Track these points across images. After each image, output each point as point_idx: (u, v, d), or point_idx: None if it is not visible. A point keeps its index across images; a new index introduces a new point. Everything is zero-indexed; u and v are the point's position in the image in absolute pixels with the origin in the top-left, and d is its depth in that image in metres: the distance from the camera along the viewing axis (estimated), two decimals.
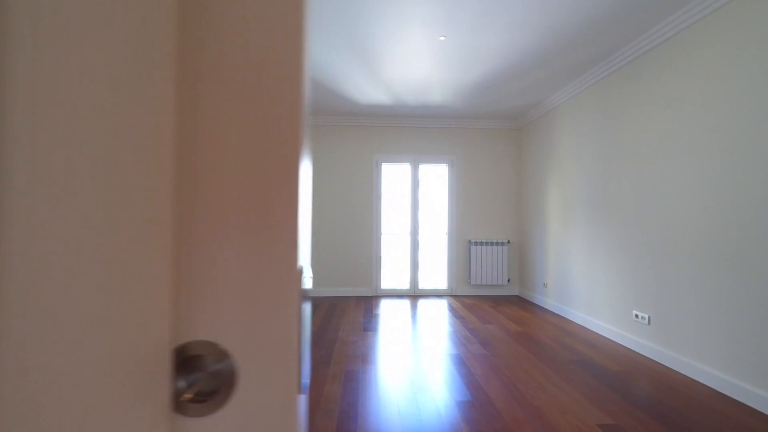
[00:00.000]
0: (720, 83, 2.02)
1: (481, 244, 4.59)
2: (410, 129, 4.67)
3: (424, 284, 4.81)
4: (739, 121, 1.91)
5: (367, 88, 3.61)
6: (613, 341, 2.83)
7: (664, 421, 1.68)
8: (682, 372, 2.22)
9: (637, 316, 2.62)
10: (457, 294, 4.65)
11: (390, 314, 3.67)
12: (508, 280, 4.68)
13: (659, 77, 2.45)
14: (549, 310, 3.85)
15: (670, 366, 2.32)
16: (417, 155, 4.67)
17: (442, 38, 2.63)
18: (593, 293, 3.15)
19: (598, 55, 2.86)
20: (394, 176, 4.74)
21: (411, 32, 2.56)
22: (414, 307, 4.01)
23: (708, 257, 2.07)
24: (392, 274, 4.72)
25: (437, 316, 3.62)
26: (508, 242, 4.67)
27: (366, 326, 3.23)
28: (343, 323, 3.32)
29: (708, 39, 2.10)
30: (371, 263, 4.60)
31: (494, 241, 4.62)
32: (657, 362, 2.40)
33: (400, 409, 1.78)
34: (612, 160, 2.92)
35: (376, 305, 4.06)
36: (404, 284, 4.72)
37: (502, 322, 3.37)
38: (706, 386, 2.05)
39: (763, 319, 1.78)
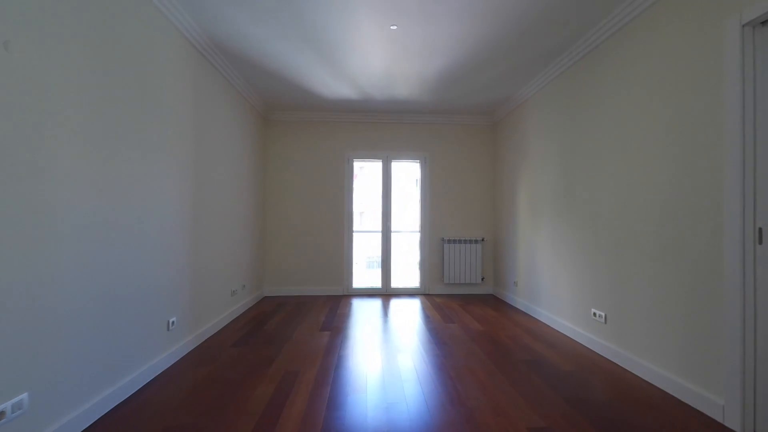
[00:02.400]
0: (672, 75, 1.94)
1: (455, 242, 4.51)
2: (382, 125, 4.58)
3: (396, 283, 4.72)
4: (691, 115, 1.82)
5: (328, 81, 3.52)
6: (574, 340, 2.74)
7: (600, 424, 1.59)
8: (634, 372, 2.14)
9: (595, 314, 2.54)
10: (430, 293, 4.56)
11: (354, 314, 3.58)
12: (482, 279, 4.59)
13: (615, 68, 2.36)
14: (519, 309, 3.77)
15: (623, 366, 2.23)
16: (389, 152, 4.58)
17: (394, 27, 2.54)
18: (557, 292, 3.06)
19: (558, 46, 2.78)
20: (365, 173, 4.64)
21: (361, 21, 2.47)
22: (382, 306, 3.92)
23: (658, 256, 1.99)
24: (364, 273, 4.63)
25: (401, 315, 3.53)
26: (483, 240, 4.59)
27: (324, 326, 3.14)
28: (303, 323, 3.23)
29: (656, 31, 2.02)
30: (342, 262, 4.50)
31: (468, 239, 4.53)
32: (611, 362, 2.31)
33: (326, 413, 1.69)
34: (572, 156, 2.83)
35: (344, 305, 3.97)
36: (376, 283, 4.63)
37: (466, 322, 3.29)
38: (657, 387, 1.96)
39: (708, 320, 1.70)
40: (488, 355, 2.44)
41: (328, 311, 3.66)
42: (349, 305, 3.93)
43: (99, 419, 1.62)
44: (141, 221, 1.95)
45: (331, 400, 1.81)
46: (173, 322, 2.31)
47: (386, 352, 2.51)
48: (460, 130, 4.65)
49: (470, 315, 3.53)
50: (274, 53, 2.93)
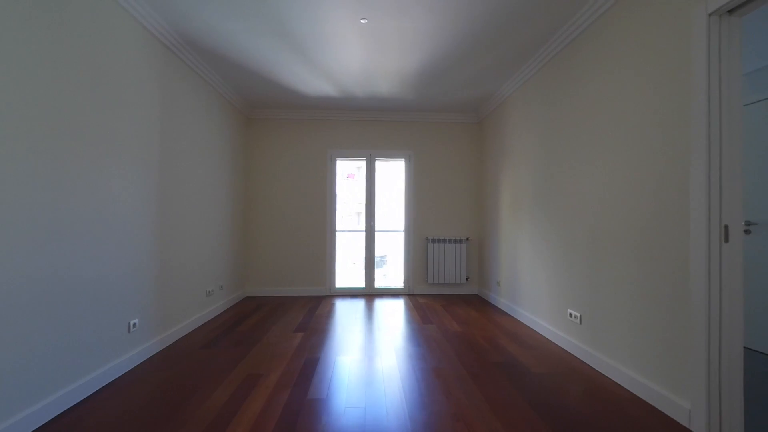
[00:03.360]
0: (644, 68, 1.87)
1: (439, 241, 4.44)
2: (365, 123, 4.51)
3: (380, 283, 4.66)
4: (661, 110, 1.76)
5: (306, 78, 3.45)
6: (551, 342, 2.68)
7: (562, 429, 1.53)
8: (607, 375, 2.08)
9: (571, 315, 2.48)
10: (415, 293, 4.50)
11: (332, 315, 3.51)
12: (467, 279, 4.53)
13: (590, 63, 2.30)
14: (502, 310, 3.71)
15: (596, 368, 2.17)
16: (373, 150, 4.52)
17: (364, 21, 2.48)
18: (536, 292, 3.00)
19: (535, 41, 2.71)
20: (349, 171, 4.58)
21: (328, 14, 2.40)
22: (363, 307, 3.85)
23: (630, 256, 1.93)
24: (348, 273, 4.57)
25: (380, 316, 3.47)
26: (467, 240, 4.53)
27: (299, 327, 3.07)
28: (278, 324, 3.16)
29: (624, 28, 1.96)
30: (325, 262, 4.44)
31: (453, 238, 4.47)
32: (586, 364, 2.25)
33: (279, 419, 1.63)
34: (551, 154, 2.77)
35: (324, 305, 3.90)
36: (360, 283, 4.57)
37: (445, 322, 3.22)
38: (627, 390, 1.90)
39: (676, 322, 1.64)
40: (460, 357, 2.37)
41: (306, 312, 3.59)
42: (329, 306, 3.86)
43: (35, 430, 1.55)
44: (95, 221, 1.89)
45: (287, 405, 1.75)
46: (135, 324, 2.25)
47: (356, 354, 2.44)
48: (445, 128, 4.59)
49: (450, 315, 3.47)
50: (245, 49, 2.87)
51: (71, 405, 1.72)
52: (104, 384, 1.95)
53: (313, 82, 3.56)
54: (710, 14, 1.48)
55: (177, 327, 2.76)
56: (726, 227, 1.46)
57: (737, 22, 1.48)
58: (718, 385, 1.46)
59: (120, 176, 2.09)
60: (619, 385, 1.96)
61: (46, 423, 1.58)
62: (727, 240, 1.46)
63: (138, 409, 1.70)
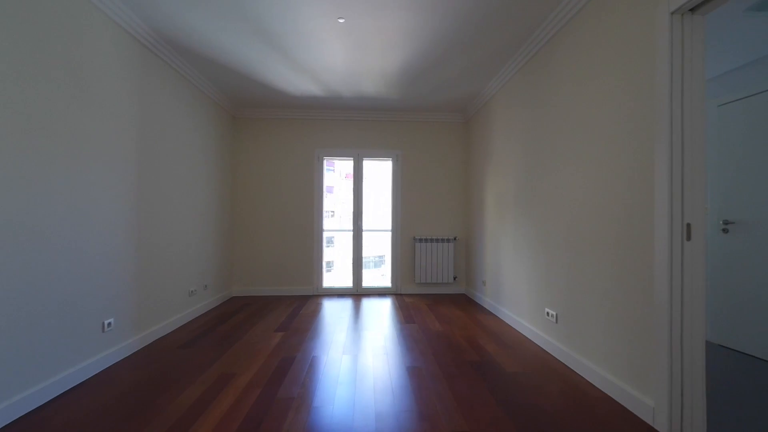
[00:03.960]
0: (614, 68, 1.88)
1: (427, 241, 4.44)
2: (353, 122, 4.51)
3: (368, 282, 4.65)
4: (628, 109, 1.76)
5: (290, 77, 3.45)
6: (530, 340, 2.68)
7: (527, 427, 1.53)
8: (580, 373, 2.08)
9: (548, 313, 2.48)
10: (402, 292, 4.50)
11: (316, 314, 3.51)
12: (455, 278, 4.53)
13: (566, 62, 2.30)
14: (486, 309, 3.71)
15: (571, 367, 2.17)
16: (360, 149, 4.51)
17: (341, 20, 2.47)
18: (517, 291, 3.00)
19: (514, 40, 2.71)
20: (337, 171, 4.57)
21: (304, 13, 2.40)
22: (348, 306, 3.85)
23: (601, 254, 1.93)
24: (336, 273, 4.56)
25: (363, 315, 3.47)
26: (455, 239, 4.53)
27: (281, 327, 3.07)
28: (260, 323, 3.16)
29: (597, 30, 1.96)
30: (312, 261, 4.43)
31: (440, 237, 4.47)
32: (561, 363, 2.25)
33: (245, 419, 1.63)
34: (531, 153, 2.78)
35: (310, 305, 3.90)
36: (347, 282, 4.56)
37: (427, 322, 3.22)
38: (598, 389, 1.90)
39: (642, 320, 1.64)
40: (437, 357, 2.37)
41: (291, 312, 3.59)
42: (315, 306, 3.86)
43: (2, 428, 1.55)
44: (66, 221, 1.88)
45: (256, 404, 1.74)
46: (109, 324, 2.24)
47: (333, 353, 2.44)
48: (432, 128, 4.59)
49: (434, 315, 3.47)
50: (227, 48, 2.86)
51: (38, 405, 1.71)
52: (75, 384, 1.94)
53: (297, 82, 3.56)
54: (672, 13, 1.49)
55: (156, 327, 2.75)
56: (688, 225, 1.46)
57: (700, 20, 1.48)
58: (680, 381, 1.46)
59: (94, 174, 2.08)
60: (592, 384, 1.97)
61: (9, 423, 1.57)
62: (689, 238, 1.46)
63: (105, 409, 1.69)
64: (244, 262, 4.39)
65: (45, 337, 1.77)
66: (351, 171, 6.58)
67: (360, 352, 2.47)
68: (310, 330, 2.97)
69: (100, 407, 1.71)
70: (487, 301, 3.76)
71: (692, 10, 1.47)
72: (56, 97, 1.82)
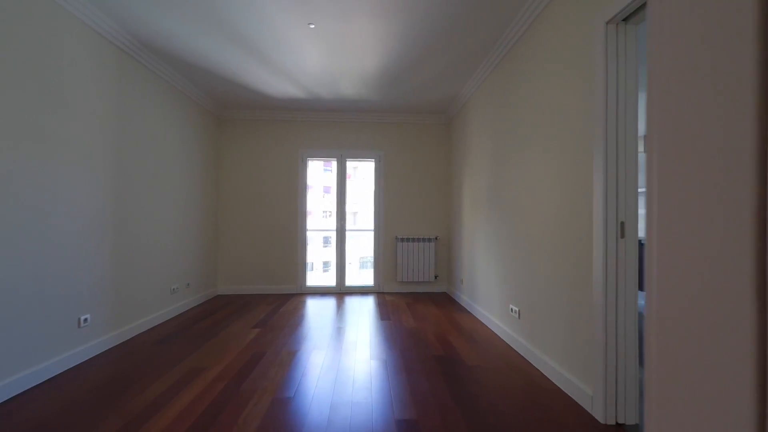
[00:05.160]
0: (562, 76, 1.96)
1: (409, 240, 4.52)
2: (335, 123, 4.59)
3: (351, 281, 4.73)
4: (572, 115, 1.85)
5: (269, 80, 3.52)
6: (497, 336, 2.77)
7: (472, 416, 1.61)
8: (538, 367, 2.16)
9: (512, 310, 2.56)
10: (384, 291, 4.58)
11: (295, 311, 3.58)
12: (436, 277, 4.61)
13: (528, 68, 2.39)
14: (463, 307, 3.79)
15: (530, 361, 2.25)
16: (343, 150, 4.59)
17: (312, 26, 2.55)
18: (488, 288, 3.09)
19: (482, 46, 2.80)
20: (320, 171, 4.65)
21: (275, 18, 2.48)
22: (329, 304, 3.93)
23: (553, 252, 2.01)
24: (320, 271, 4.63)
25: (342, 313, 3.54)
26: (436, 239, 4.61)
27: (259, 323, 3.15)
28: (239, 320, 3.23)
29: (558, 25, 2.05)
30: (296, 260, 4.51)
31: (421, 237, 4.55)
32: (522, 357, 2.34)
33: (204, 413, 1.70)
34: (501, 155, 2.86)
35: (292, 302, 3.97)
36: (331, 281, 4.64)
37: (403, 319, 3.30)
38: (553, 383, 1.98)
39: (584, 314, 1.72)
40: (403, 351, 2.45)
41: (271, 309, 3.66)
42: (296, 303, 3.94)
43: None
44: (34, 220, 1.95)
45: (219, 396, 1.82)
46: (86, 320, 2.31)
47: (303, 348, 2.52)
48: (414, 129, 4.67)
49: (411, 312, 3.55)
50: (205, 52, 2.93)
51: (5, 399, 1.78)
52: (47, 378, 2.01)
53: (277, 84, 3.64)
54: (607, 22, 1.57)
55: (135, 323, 2.82)
56: (622, 224, 1.54)
57: (633, 29, 1.56)
58: (615, 370, 1.54)
59: (67, 175, 2.15)
60: (546, 377, 2.05)
61: None
62: (623, 236, 1.54)
63: (72, 402, 1.76)
64: (229, 261, 4.46)
65: (16, 333, 1.84)
66: (349, 171, 6.67)
67: (330, 347, 2.55)
68: (286, 327, 3.05)
69: (67, 400, 1.78)
70: (464, 299, 3.84)
71: (625, 20, 1.55)
72: (23, 99, 1.90)
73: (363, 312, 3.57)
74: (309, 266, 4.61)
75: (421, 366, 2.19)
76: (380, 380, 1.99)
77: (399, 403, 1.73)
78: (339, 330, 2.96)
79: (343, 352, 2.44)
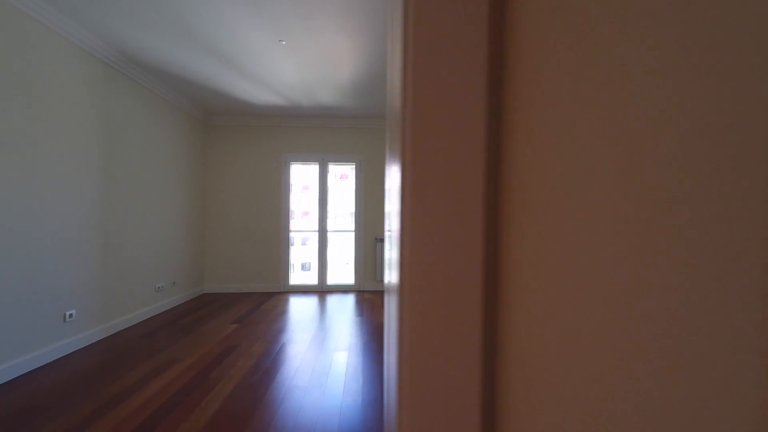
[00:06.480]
0: None
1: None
2: (317, 129, 4.78)
3: (332, 280, 4.93)
4: None
5: (249, 89, 3.72)
6: None
7: None
8: None
9: None
10: (364, 289, 4.77)
11: (275, 309, 3.78)
12: None
13: None
14: None
15: None
16: (325, 154, 4.79)
17: (283, 42, 2.75)
18: None
19: None
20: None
21: (250, 36, 2.67)
22: (309, 302, 4.12)
23: None
24: (302, 271, 4.83)
25: (319, 309, 3.74)
26: None
27: (238, 320, 3.34)
28: (221, 317, 3.43)
29: None
30: (279, 260, 4.70)
31: None
32: None
33: (175, 395, 1.89)
34: None
35: (274, 300, 4.16)
36: (313, 280, 4.83)
37: (375, 315, 3.50)
38: None
39: None
40: (366, 343, 2.65)
41: (252, 306, 3.86)
42: (277, 301, 4.13)
43: None
44: (21, 220, 2.14)
45: (186, 384, 2.01)
46: (71, 315, 2.50)
47: (273, 341, 2.71)
48: None
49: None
50: (185, 65, 3.13)
51: None
52: (35, 367, 2.20)
53: (258, 93, 3.83)
54: None
55: (120, 319, 3.01)
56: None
57: None
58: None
59: (55, 180, 2.35)
60: None
61: None
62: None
63: (56, 387, 1.96)
64: (215, 260, 4.65)
65: (4, 325, 2.03)
66: (346, 172, 6.85)
67: (300, 340, 2.74)
68: (262, 322, 3.24)
69: (51, 386, 1.97)
70: None
71: None
72: (10, 111, 2.09)
73: (340, 309, 3.76)
74: (291, 267, 4.81)
75: (380, 356, 2.39)
76: (339, 368, 2.19)
77: (351, 388, 1.93)
78: (312, 325, 3.15)
79: (311, 344, 2.63)
